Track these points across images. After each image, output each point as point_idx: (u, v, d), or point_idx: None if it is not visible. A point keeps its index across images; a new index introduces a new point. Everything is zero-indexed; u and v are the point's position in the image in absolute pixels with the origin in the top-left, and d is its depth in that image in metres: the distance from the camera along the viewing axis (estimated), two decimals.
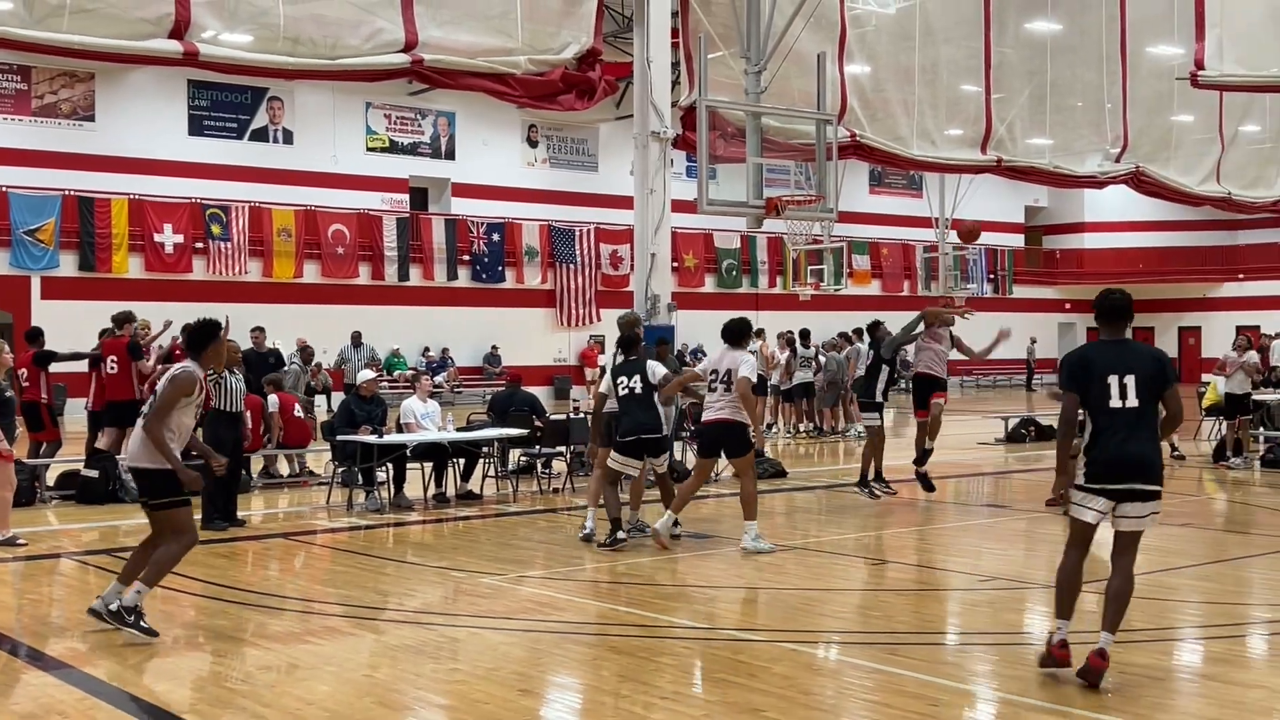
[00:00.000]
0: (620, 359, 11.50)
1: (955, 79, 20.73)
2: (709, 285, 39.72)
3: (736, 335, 10.98)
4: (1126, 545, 6.78)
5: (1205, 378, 26.09)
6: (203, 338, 7.98)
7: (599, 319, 36.87)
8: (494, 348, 35.69)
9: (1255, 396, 19.13)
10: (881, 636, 7.93)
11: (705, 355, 37.68)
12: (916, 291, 43.40)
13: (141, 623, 7.56)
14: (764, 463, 16.82)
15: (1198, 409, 23.08)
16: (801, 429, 23.57)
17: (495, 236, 36.09)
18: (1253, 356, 19.11)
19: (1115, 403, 6.54)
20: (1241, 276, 47.41)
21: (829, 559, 10.65)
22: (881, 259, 44.19)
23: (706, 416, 10.95)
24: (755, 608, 9.13)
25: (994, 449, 21.48)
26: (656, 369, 11.20)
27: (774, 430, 23.01)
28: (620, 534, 10.92)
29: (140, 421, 7.76)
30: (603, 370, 11.88)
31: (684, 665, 7.12)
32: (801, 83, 17.39)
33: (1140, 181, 22.54)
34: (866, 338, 22.67)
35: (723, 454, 11.04)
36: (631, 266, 17.41)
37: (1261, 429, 19.59)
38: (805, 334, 23.80)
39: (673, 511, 10.96)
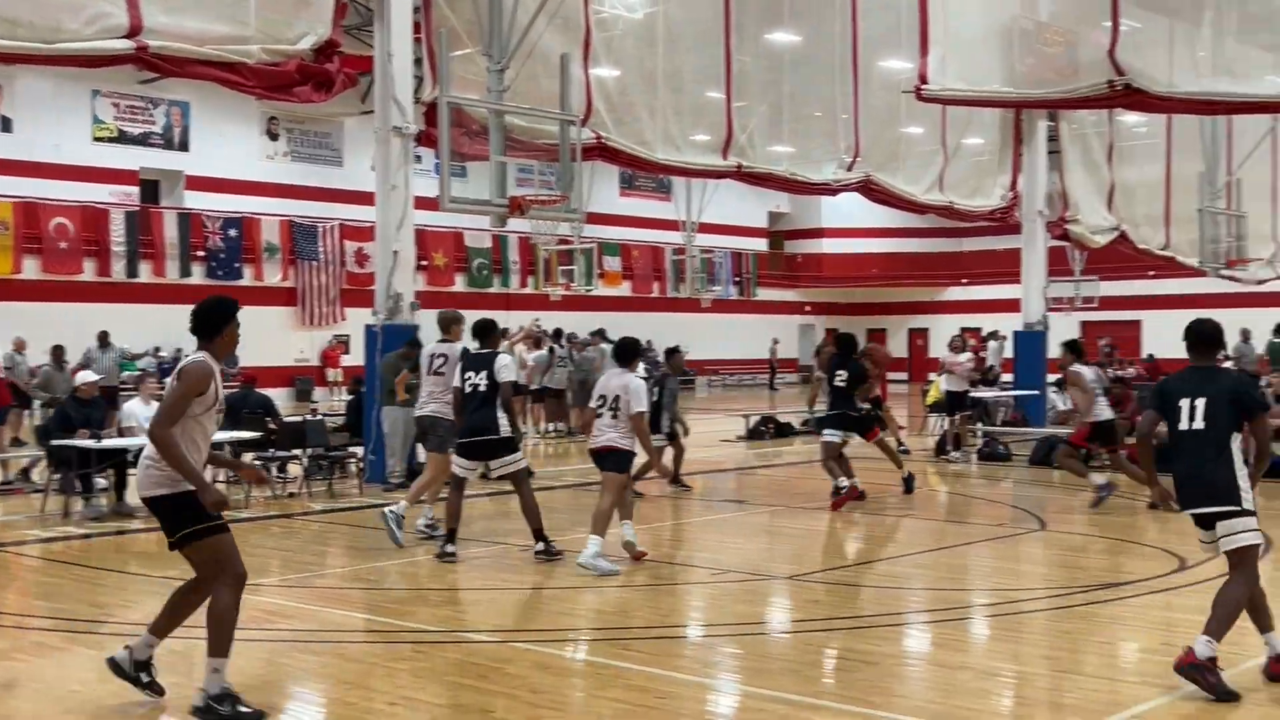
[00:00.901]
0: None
1: (699, 86, 21.15)
2: (459, 284, 39.39)
3: (624, 356, 10.48)
4: (1231, 564, 6.71)
5: (930, 376, 27.51)
6: (216, 320, 6.26)
7: (343, 318, 36.12)
8: None
9: (973, 394, 20.31)
10: (615, 632, 8.02)
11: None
12: (666, 292, 44.19)
13: (240, 707, 6.02)
14: None
15: (922, 406, 24.35)
16: (550, 429, 23.64)
17: (232, 232, 34.85)
18: (968, 360, 20.32)
19: (1184, 425, 6.70)
20: (965, 281, 50.23)
21: (570, 558, 10.70)
22: (632, 260, 44.83)
23: (594, 444, 10.25)
24: (490, 609, 9.10)
25: (735, 446, 22.07)
26: (506, 366, 10.42)
27: (523, 431, 23.03)
28: (451, 547, 10.34)
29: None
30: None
31: (415, 669, 7.03)
32: (548, 83, 17.42)
33: (871, 189, 23.50)
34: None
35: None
36: None
37: (979, 424, 20.78)
38: (559, 333, 23.95)
39: (630, 520, 10.41)
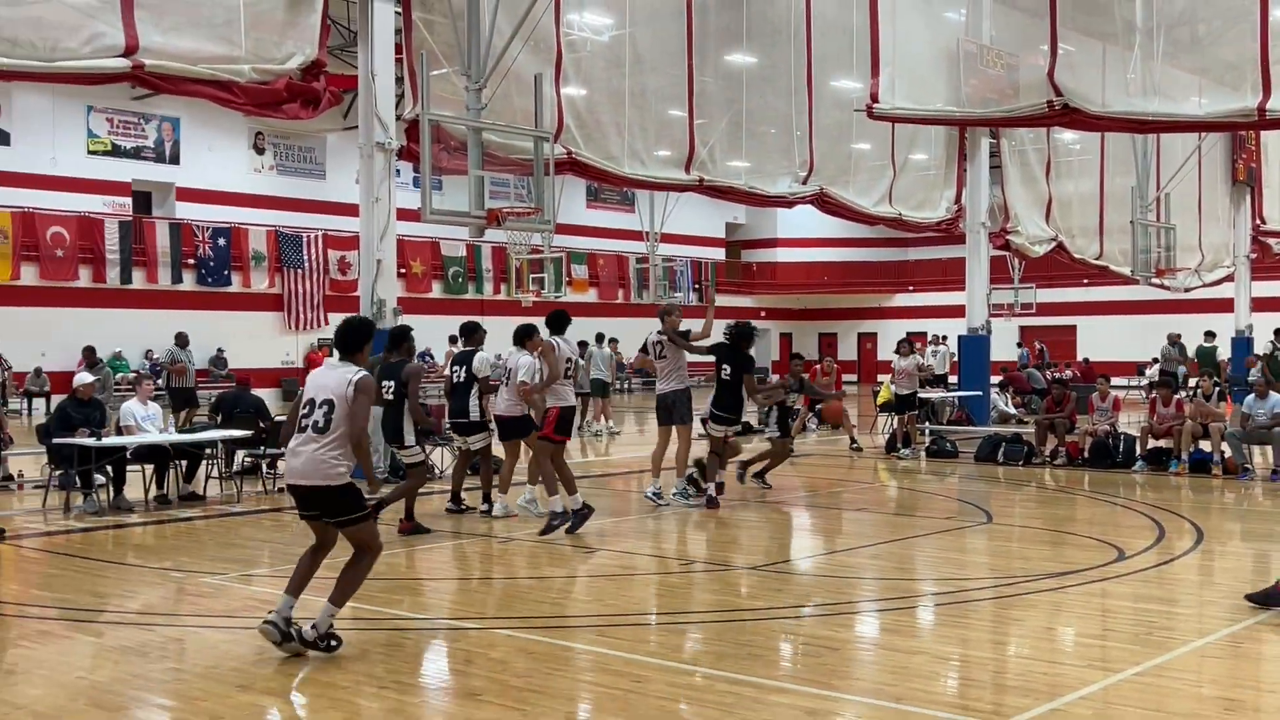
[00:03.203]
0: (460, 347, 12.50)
1: (662, 104, 21.17)
2: (436, 291, 39.31)
3: (519, 338, 11.97)
4: None
5: (880, 379, 27.61)
6: (361, 337, 7.04)
7: (326, 322, 35.95)
8: (220, 350, 34.23)
9: (920, 395, 20.43)
10: (591, 620, 8.03)
11: (433, 358, 37.42)
12: (630, 299, 44.18)
13: (333, 643, 6.89)
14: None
15: (873, 406, 24.44)
16: None
17: (221, 241, 34.62)
18: (915, 361, 20.41)
19: None
20: (911, 288, 50.51)
21: (543, 549, 10.70)
22: (598, 268, 44.83)
23: (500, 411, 11.90)
24: (472, 597, 9.08)
25: (699, 443, 22.03)
26: (481, 362, 12.03)
27: None
28: (485, 506, 12.24)
29: (320, 441, 6.71)
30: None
31: (403, 655, 7.01)
32: (522, 101, 17.40)
33: (824, 202, 23.58)
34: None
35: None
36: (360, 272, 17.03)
37: (926, 423, 20.90)
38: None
39: (500, 492, 12.29)
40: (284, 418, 15.89)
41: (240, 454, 15.10)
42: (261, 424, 14.73)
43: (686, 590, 9.24)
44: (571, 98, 19.07)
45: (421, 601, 8.78)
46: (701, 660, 6.96)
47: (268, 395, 29.28)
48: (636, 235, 40.39)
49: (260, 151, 36.89)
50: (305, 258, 36.19)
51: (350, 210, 19.24)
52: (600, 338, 24.63)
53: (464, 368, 12.08)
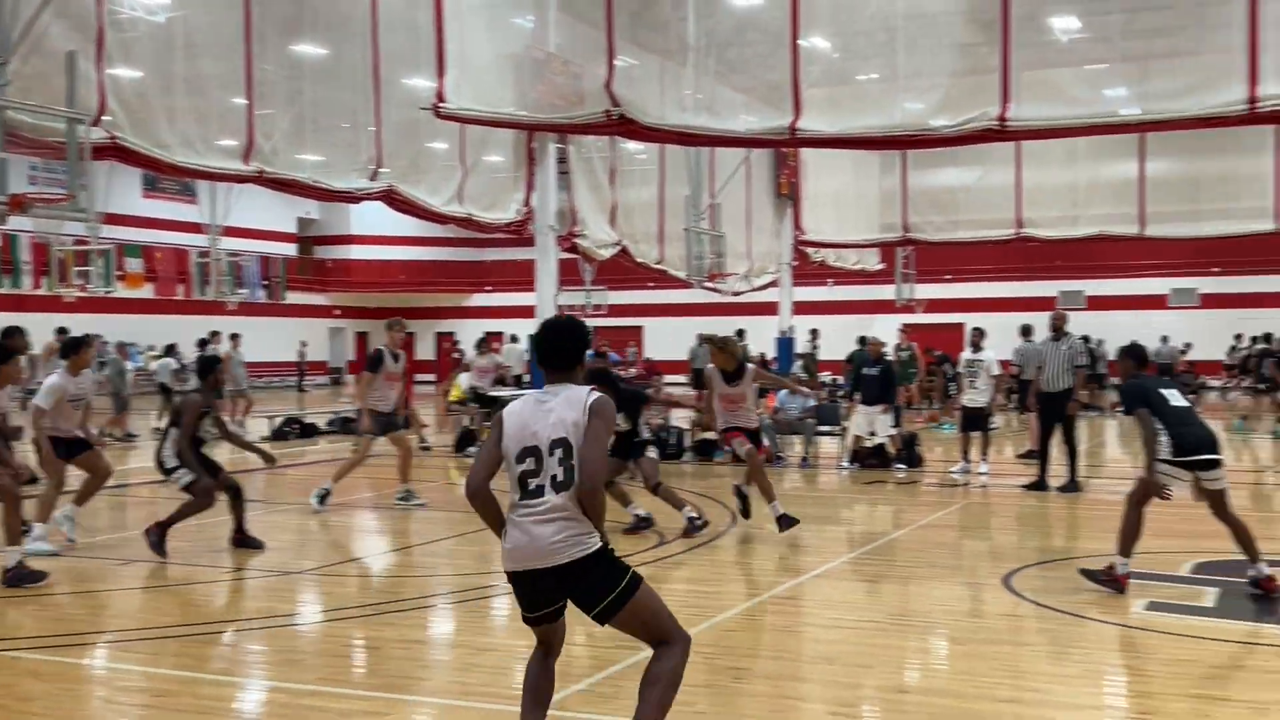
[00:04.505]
0: None
1: (222, 92, 20.31)
2: None
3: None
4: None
5: (454, 376, 27.88)
6: (580, 344, 4.86)
7: None
8: None
9: (491, 392, 20.84)
10: (111, 636, 7.59)
11: None
12: (191, 295, 42.03)
13: None
14: None
15: (445, 404, 24.66)
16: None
17: None
18: (493, 359, 20.82)
19: (1175, 403, 8.64)
20: (489, 288, 51.39)
21: (79, 564, 10.00)
22: (155, 262, 42.35)
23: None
24: None
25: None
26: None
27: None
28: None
29: (563, 498, 4.69)
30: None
31: None
32: (61, 81, 16.19)
33: (393, 199, 23.50)
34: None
35: None
36: None
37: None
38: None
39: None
40: None
41: None
42: None
43: (236, 599, 8.94)
44: (118, 80, 17.91)
45: None
46: (240, 669, 6.77)
47: None
48: (199, 228, 38.52)
49: None
50: None
51: None
52: (214, 335, 23.52)
53: None
